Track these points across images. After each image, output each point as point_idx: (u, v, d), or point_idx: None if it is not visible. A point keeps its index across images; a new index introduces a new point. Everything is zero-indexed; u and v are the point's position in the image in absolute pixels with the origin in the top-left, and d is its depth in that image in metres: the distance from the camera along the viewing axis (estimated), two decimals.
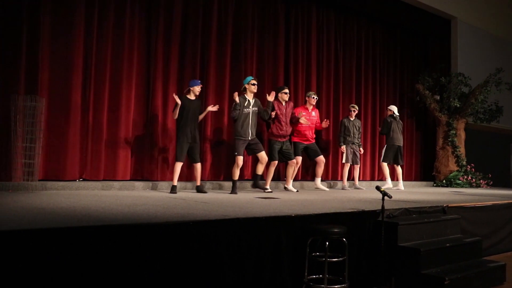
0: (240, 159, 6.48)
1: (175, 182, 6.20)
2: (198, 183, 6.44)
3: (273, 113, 7.00)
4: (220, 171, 7.82)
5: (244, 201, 5.21)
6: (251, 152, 6.81)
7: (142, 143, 7.08)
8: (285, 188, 7.44)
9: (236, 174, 6.49)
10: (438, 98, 10.93)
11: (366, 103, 10.29)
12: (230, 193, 6.38)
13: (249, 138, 6.54)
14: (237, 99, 6.43)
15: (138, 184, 6.65)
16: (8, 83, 5.87)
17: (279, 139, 7.12)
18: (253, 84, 6.62)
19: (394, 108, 9.00)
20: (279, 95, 7.19)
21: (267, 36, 8.55)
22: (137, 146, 7.04)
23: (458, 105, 10.61)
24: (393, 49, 11.04)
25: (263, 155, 6.68)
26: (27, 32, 6.01)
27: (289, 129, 7.28)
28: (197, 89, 6.39)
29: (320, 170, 7.89)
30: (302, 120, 7.44)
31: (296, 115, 7.43)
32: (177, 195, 5.76)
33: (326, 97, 9.46)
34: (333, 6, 9.65)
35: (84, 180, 6.45)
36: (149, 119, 7.13)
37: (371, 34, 10.52)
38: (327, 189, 8.05)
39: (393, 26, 10.94)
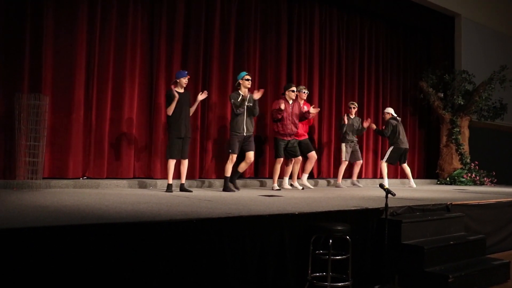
0: (234, 157, 6.43)
1: (170, 181, 6.04)
2: (183, 181, 6.18)
3: (280, 114, 6.93)
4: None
5: (248, 199, 5.21)
6: (241, 150, 6.62)
7: (145, 141, 7.09)
8: (292, 185, 7.43)
9: (229, 170, 6.42)
10: (442, 95, 10.88)
11: (369, 101, 10.27)
12: (222, 190, 6.35)
13: (245, 134, 6.47)
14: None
15: (141, 182, 6.65)
16: (12, 81, 5.89)
17: (285, 138, 7.08)
18: (247, 80, 6.51)
19: (391, 110, 8.96)
20: (286, 93, 7.13)
21: (269, 34, 8.53)
22: (140, 144, 7.05)
23: (462, 103, 10.57)
24: (396, 46, 11.00)
25: (250, 155, 6.57)
26: (30, 31, 6.03)
27: (296, 128, 7.18)
28: (183, 80, 6.09)
29: (309, 166, 7.79)
30: (313, 110, 7.32)
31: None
32: (180, 193, 5.77)
33: (328, 94, 9.43)
34: (336, 3, 9.62)
35: (87, 178, 6.47)
36: (152, 117, 7.13)
37: (374, 31, 10.48)
38: (312, 187, 7.90)
39: (396, 23, 10.89)
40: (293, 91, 7.14)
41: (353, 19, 10.04)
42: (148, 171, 7.08)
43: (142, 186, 6.60)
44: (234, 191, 6.34)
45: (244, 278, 3.48)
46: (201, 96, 6.29)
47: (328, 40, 9.51)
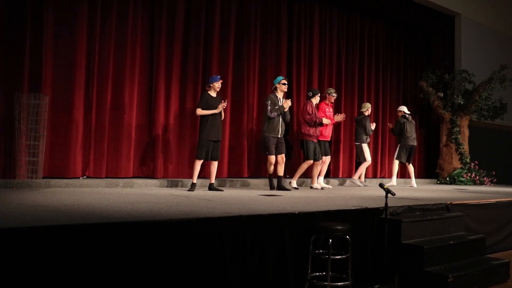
0: (272, 158, 6.66)
1: (195, 180, 6.16)
2: (213, 181, 6.36)
3: (322, 117, 7.28)
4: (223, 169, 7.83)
5: (248, 198, 5.21)
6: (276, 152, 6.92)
7: (144, 140, 7.10)
8: (311, 187, 7.51)
9: (270, 169, 6.71)
10: (442, 95, 10.89)
11: (369, 101, 10.23)
12: (277, 189, 6.62)
13: (279, 136, 6.71)
14: (288, 102, 6.68)
15: (141, 181, 6.65)
16: (12, 81, 5.89)
17: (315, 140, 7.27)
18: (284, 84, 6.83)
19: (404, 108, 9.23)
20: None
21: (269, 33, 8.53)
22: (140, 144, 7.05)
23: (462, 102, 10.58)
24: (396, 46, 11.00)
25: (283, 157, 6.81)
26: (30, 31, 6.03)
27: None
28: (216, 85, 6.30)
29: (324, 168, 7.93)
30: (326, 121, 7.47)
31: (324, 114, 7.60)
32: (180, 193, 5.77)
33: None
34: (336, 3, 9.62)
35: (87, 177, 6.47)
36: (152, 116, 7.13)
37: (374, 31, 10.48)
38: (330, 186, 8.08)
39: (396, 23, 10.89)
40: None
41: (353, 19, 10.04)
42: (148, 171, 7.09)
43: (142, 185, 6.60)
44: (274, 188, 6.62)
45: (244, 277, 3.48)
46: (222, 105, 6.42)
47: (328, 40, 9.51)
